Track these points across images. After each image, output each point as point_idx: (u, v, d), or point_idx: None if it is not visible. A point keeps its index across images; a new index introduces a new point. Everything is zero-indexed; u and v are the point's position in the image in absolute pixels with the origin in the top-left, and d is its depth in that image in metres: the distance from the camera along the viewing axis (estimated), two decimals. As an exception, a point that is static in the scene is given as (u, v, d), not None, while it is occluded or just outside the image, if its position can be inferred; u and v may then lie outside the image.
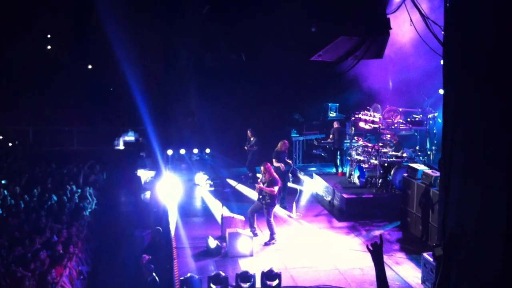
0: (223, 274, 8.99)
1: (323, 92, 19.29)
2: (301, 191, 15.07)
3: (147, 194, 15.98)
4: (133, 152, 21.45)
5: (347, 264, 10.68)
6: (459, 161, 7.03)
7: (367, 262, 9.71)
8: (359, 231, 12.65)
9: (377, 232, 12.43)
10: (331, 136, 16.61)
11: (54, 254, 10.84)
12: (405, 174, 12.89)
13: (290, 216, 13.67)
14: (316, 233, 12.64)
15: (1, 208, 13.58)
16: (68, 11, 24.41)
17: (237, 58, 19.70)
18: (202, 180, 16.95)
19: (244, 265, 10.56)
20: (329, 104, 18.46)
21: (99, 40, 21.91)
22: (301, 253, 11.31)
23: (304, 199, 14.94)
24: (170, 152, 18.49)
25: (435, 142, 15.46)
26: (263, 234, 12.12)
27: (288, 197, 14.30)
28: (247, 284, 8.92)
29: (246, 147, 17.16)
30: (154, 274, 9.99)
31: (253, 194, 13.50)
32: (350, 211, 13.62)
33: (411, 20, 11.09)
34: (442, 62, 8.13)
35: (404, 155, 14.55)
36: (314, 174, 16.31)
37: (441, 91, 10.52)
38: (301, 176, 16.88)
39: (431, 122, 15.32)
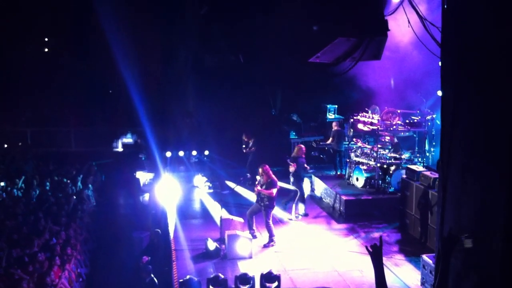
0: (222, 276, 8.99)
1: (322, 93, 19.28)
2: (300, 193, 15.04)
3: (146, 196, 15.95)
4: (132, 154, 21.42)
5: (346, 266, 10.69)
6: (458, 161, 7.03)
7: (366, 264, 9.71)
8: (358, 233, 12.64)
9: (376, 234, 12.44)
10: (330, 138, 16.59)
11: (52, 256, 10.82)
12: (404, 176, 12.90)
13: (290, 218, 13.66)
14: (315, 235, 12.64)
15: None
16: (68, 11, 24.39)
17: (236, 59, 19.68)
18: (201, 182, 16.94)
19: (243, 267, 10.55)
20: (328, 106, 18.45)
21: (98, 41, 21.88)
22: (300, 255, 11.31)
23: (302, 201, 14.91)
24: (168, 154, 18.46)
25: (434, 143, 15.46)
26: (262, 236, 12.12)
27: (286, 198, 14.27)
28: (246, 286, 8.93)
29: (244, 150, 17.16)
30: (152, 275, 9.98)
31: (252, 196, 13.49)
32: (349, 213, 13.63)
33: (409, 22, 11.09)
34: (440, 63, 8.13)
35: (403, 156, 14.56)
36: (313, 176, 16.30)
37: (440, 93, 10.52)
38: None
39: (429, 123, 15.31)
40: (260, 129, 18.29)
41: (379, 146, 14.65)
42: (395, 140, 15.14)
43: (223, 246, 11.31)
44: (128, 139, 23.42)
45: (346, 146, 16.15)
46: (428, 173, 11.95)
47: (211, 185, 16.86)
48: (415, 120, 15.24)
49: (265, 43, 18.36)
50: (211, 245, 11.24)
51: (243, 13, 18.31)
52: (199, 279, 9.06)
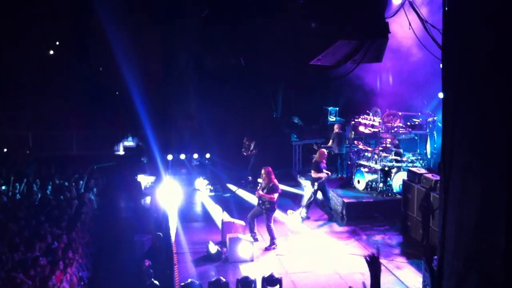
0: (224, 280, 8.97)
1: (323, 95, 19.29)
2: (301, 195, 15.05)
3: (147, 199, 15.96)
4: (133, 157, 21.44)
5: (347, 269, 10.66)
6: (459, 162, 7.02)
7: (367, 267, 9.67)
8: (359, 235, 12.62)
9: (377, 236, 12.43)
10: (331, 141, 16.57)
11: (54, 259, 10.82)
12: (405, 178, 12.88)
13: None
14: (316, 237, 12.62)
15: (1, 213, 13.57)
16: (68, 13, 24.41)
17: (237, 62, 19.71)
18: (202, 185, 16.95)
19: (244, 270, 10.54)
20: (329, 108, 18.45)
21: (99, 44, 21.92)
22: (302, 258, 11.29)
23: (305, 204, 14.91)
24: (170, 157, 18.48)
25: (435, 145, 15.44)
26: (264, 239, 12.11)
27: (288, 200, 14.27)
28: (248, 290, 8.90)
29: (245, 153, 17.14)
30: (153, 279, 9.98)
31: (253, 199, 13.49)
32: (351, 215, 13.61)
33: (410, 24, 11.10)
34: (441, 65, 8.13)
35: (404, 159, 14.54)
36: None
37: (441, 95, 10.52)
38: (301, 180, 16.84)
39: (430, 125, 15.30)
40: (261, 131, 18.30)
41: (380, 148, 14.64)
42: (396, 142, 15.12)
43: (225, 249, 11.30)
44: (130, 142, 23.44)
45: (348, 148, 16.14)
46: (429, 175, 11.92)
47: (212, 188, 16.87)
48: (416, 122, 15.24)
49: (266, 46, 18.39)
50: (213, 248, 11.23)
51: (244, 15, 18.34)
52: (200, 282, 9.04)
